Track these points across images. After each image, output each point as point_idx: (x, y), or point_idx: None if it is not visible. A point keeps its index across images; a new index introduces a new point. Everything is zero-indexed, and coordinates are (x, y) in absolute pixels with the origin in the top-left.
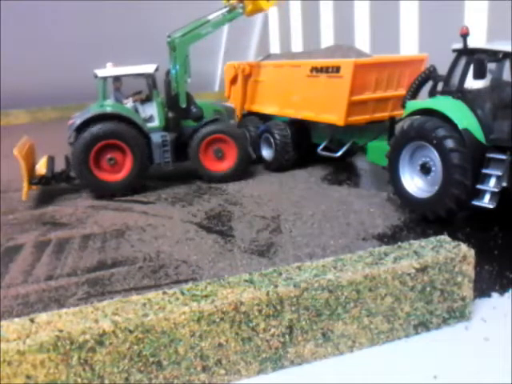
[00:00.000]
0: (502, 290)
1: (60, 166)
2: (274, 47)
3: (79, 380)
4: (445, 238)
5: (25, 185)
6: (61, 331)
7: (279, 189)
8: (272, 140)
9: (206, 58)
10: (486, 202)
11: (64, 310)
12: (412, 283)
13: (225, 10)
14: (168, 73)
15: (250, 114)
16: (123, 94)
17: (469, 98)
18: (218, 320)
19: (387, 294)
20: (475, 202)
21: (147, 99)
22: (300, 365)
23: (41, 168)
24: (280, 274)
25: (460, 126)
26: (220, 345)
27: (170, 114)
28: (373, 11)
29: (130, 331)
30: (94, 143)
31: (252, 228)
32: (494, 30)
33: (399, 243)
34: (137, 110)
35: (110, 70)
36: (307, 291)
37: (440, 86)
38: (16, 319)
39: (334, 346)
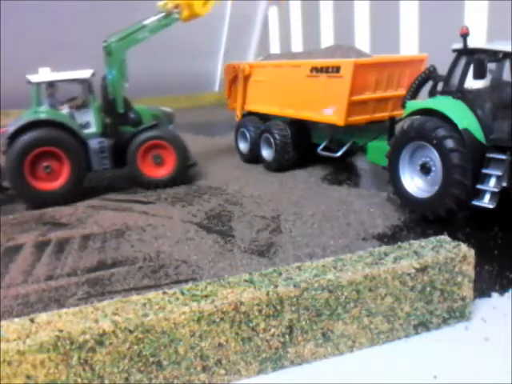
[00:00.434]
0: (502, 290)
1: None
2: (274, 47)
3: (79, 380)
4: (445, 238)
5: None
6: (61, 331)
7: (279, 189)
8: (272, 140)
9: (206, 58)
10: (486, 202)
11: (64, 310)
12: (412, 283)
13: (160, 16)
14: (104, 78)
15: (250, 114)
16: (58, 100)
17: (469, 98)
18: (217, 320)
19: (387, 294)
20: (475, 202)
21: (83, 105)
22: (300, 365)
23: None
24: (280, 273)
25: (460, 126)
26: (220, 345)
27: (108, 120)
28: (373, 11)
29: (130, 331)
30: (27, 151)
31: (252, 228)
32: (493, 30)
33: (399, 243)
34: (73, 117)
35: (43, 76)
36: (307, 291)
37: (440, 86)
38: (16, 319)
39: (333, 346)
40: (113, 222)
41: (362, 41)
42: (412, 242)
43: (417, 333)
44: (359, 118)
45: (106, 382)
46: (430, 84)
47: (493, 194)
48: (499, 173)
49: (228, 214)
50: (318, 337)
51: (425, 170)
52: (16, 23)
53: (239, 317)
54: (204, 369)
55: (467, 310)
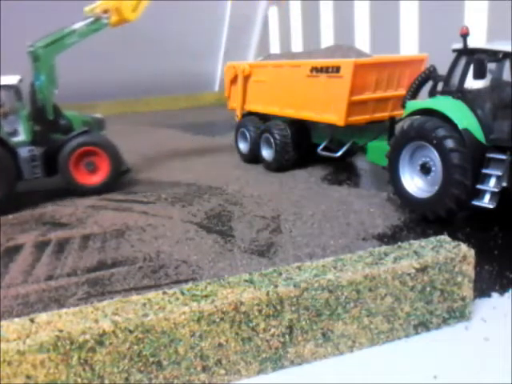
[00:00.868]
0: (502, 290)
1: None
2: (274, 47)
3: (79, 380)
4: (445, 238)
5: None
6: (61, 331)
7: (279, 189)
8: (272, 140)
9: (206, 58)
10: (486, 202)
11: (64, 310)
12: (412, 283)
13: (89, 21)
14: (32, 84)
15: (250, 114)
16: None
17: (469, 98)
18: (217, 320)
19: (387, 294)
20: (475, 202)
21: (11, 112)
22: (300, 365)
23: None
24: (280, 273)
25: (460, 126)
26: (220, 345)
27: (37, 127)
28: (373, 11)
29: (130, 331)
30: None
31: (252, 228)
32: (493, 30)
33: (399, 243)
34: None
35: None
36: (307, 291)
37: (440, 86)
38: (16, 319)
39: (333, 346)
40: (113, 222)
41: (362, 41)
42: (412, 241)
43: (417, 333)
44: (359, 118)
45: (106, 381)
46: (430, 84)
47: (493, 193)
48: (499, 173)
49: (228, 214)
50: (317, 337)
51: (425, 170)
52: None
53: (239, 317)
54: (204, 369)
55: (467, 309)
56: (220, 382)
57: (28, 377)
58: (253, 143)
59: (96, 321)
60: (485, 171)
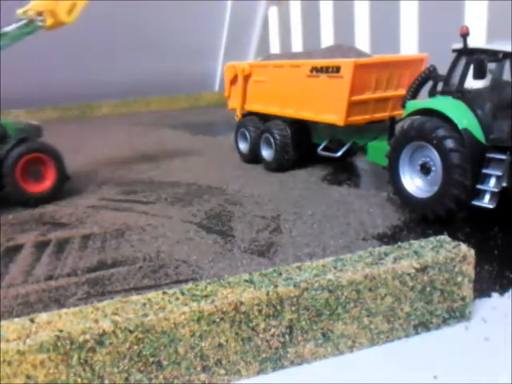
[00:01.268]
0: (502, 290)
1: None
2: (274, 47)
3: (79, 380)
4: (445, 238)
5: None
6: (61, 331)
7: (279, 189)
8: (272, 140)
9: (206, 58)
10: (486, 202)
11: (64, 310)
12: (412, 283)
13: (21, 23)
14: None
15: (250, 113)
16: None
17: (469, 98)
18: (217, 320)
19: (387, 294)
20: (475, 202)
21: None
22: (300, 365)
23: None
24: (280, 273)
25: (460, 126)
26: (220, 345)
27: None
28: (373, 11)
29: (130, 331)
30: None
31: (252, 228)
32: (493, 30)
33: (399, 243)
34: None
35: None
36: (307, 291)
37: (440, 86)
38: (16, 319)
39: (333, 346)
40: (113, 222)
41: (362, 41)
42: (412, 241)
43: (417, 333)
44: (359, 118)
45: (106, 381)
46: (430, 84)
47: (493, 193)
48: (499, 173)
49: (228, 213)
50: (317, 337)
51: (425, 170)
52: None
53: (239, 317)
54: (204, 369)
55: (467, 309)
56: (220, 382)
57: (28, 377)
58: (253, 143)
59: (96, 321)
60: (485, 171)
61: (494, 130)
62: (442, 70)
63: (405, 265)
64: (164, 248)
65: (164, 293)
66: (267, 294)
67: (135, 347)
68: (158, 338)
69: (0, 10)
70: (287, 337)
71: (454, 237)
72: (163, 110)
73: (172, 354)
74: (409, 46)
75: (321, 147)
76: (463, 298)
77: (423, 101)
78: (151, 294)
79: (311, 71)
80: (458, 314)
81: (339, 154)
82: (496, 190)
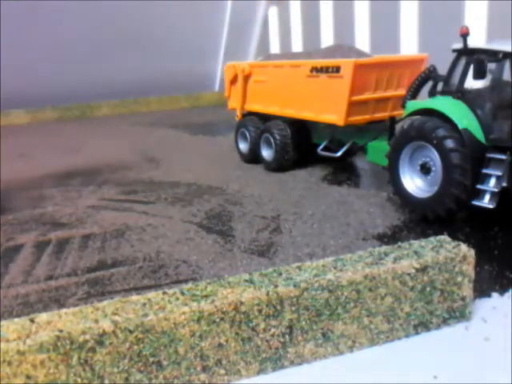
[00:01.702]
0: (502, 290)
1: None
2: (274, 47)
3: (79, 380)
4: (445, 238)
5: None
6: (61, 331)
7: (279, 189)
8: (272, 140)
9: (206, 58)
10: (486, 202)
11: (64, 310)
12: (412, 283)
13: None
14: None
15: (250, 114)
16: None
17: (469, 98)
18: (217, 320)
19: (387, 294)
20: (475, 202)
21: None
22: (300, 365)
23: None
24: (280, 273)
25: (460, 126)
26: (220, 345)
27: None
28: (373, 11)
29: (130, 331)
30: None
31: (252, 228)
32: (493, 30)
33: (399, 243)
34: None
35: None
36: (307, 291)
37: (440, 86)
38: (16, 319)
39: (333, 346)
40: (113, 222)
41: (362, 41)
42: (412, 241)
43: (417, 333)
44: (359, 118)
45: (106, 381)
46: (430, 84)
47: (493, 193)
48: (499, 173)
49: (228, 213)
50: (317, 337)
51: (425, 170)
52: None
53: (239, 317)
54: (204, 369)
55: (467, 309)
56: (220, 382)
57: (28, 377)
58: (253, 143)
59: (96, 321)
60: (485, 171)
61: (494, 130)
62: (442, 70)
63: (405, 265)
64: (164, 248)
65: (164, 293)
66: (267, 294)
67: (135, 347)
68: (158, 338)
69: (0, 10)
70: (287, 337)
71: (454, 237)
72: (163, 110)
73: (172, 354)
74: (409, 46)
75: (321, 147)
76: (463, 298)
77: (423, 101)
78: (151, 294)
79: (311, 71)
80: (457, 314)
81: (339, 154)
82: (496, 190)
